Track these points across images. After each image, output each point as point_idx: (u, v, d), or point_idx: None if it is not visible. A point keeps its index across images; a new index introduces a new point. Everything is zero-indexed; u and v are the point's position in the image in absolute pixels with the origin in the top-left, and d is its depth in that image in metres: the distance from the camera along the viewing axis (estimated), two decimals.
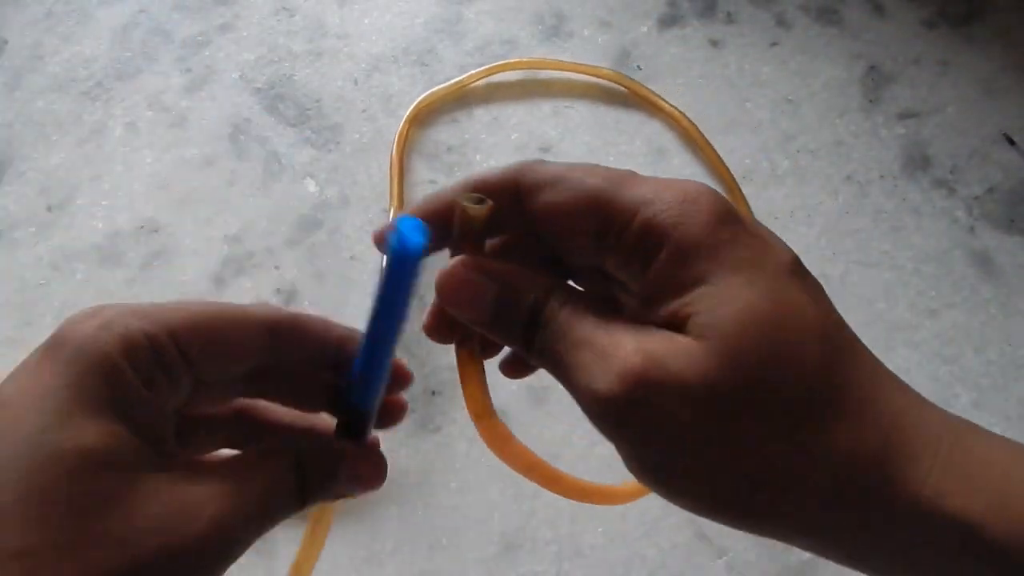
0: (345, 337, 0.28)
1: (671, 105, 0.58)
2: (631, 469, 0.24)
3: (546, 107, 0.59)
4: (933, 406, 0.25)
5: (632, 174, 0.25)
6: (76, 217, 0.55)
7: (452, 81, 0.59)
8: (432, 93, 0.59)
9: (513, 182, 0.26)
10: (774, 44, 0.62)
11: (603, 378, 0.22)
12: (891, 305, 0.52)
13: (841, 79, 0.60)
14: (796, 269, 0.24)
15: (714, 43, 0.62)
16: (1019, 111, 0.58)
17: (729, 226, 0.23)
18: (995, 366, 0.50)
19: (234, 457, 0.25)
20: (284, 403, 0.29)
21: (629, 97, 0.59)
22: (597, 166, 0.26)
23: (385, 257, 0.24)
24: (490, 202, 0.25)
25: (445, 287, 0.25)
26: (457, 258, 0.25)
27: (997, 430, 0.50)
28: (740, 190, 0.55)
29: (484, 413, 0.27)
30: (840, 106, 0.59)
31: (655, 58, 0.61)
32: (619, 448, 0.24)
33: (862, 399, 0.23)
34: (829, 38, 0.62)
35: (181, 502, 0.22)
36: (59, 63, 0.62)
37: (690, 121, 0.57)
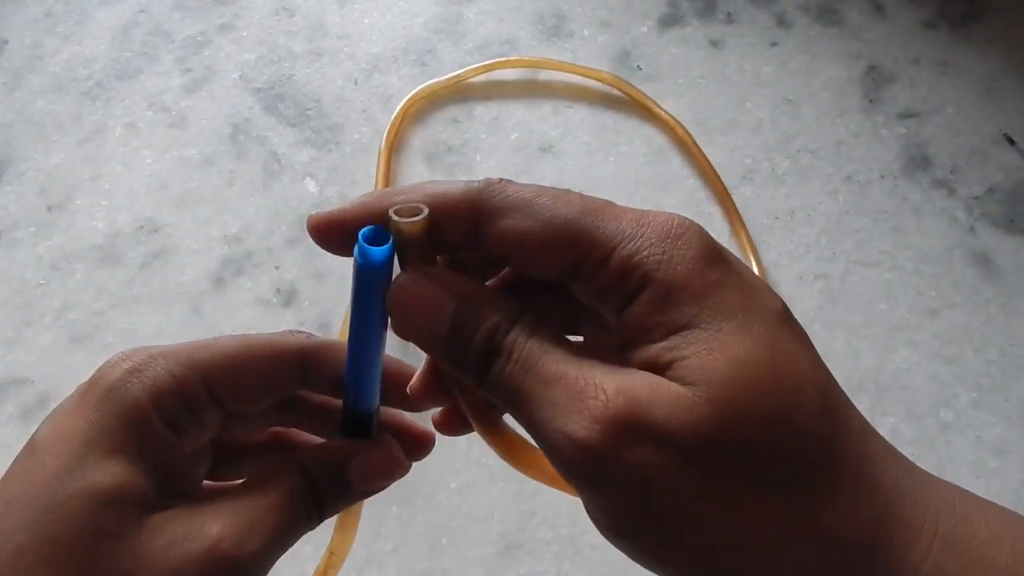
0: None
1: (666, 112, 0.57)
2: (599, 525, 0.22)
3: (546, 107, 0.59)
4: (925, 473, 0.22)
5: (609, 204, 0.23)
6: (76, 217, 0.55)
7: (445, 76, 0.59)
8: (428, 86, 0.59)
9: (472, 203, 0.23)
10: (774, 44, 0.62)
11: (579, 421, 0.20)
12: (891, 305, 0.52)
13: (841, 79, 0.60)
14: (786, 317, 0.22)
15: (714, 43, 0.62)
16: (1019, 111, 0.58)
17: (717, 267, 0.22)
18: (995, 366, 0.50)
19: (245, 480, 0.25)
20: (314, 428, 0.30)
21: (627, 100, 0.59)
22: (569, 192, 0.23)
23: (352, 268, 0.24)
24: (426, 211, 0.22)
25: (397, 299, 0.23)
26: (409, 270, 0.23)
27: (997, 430, 0.50)
28: (732, 200, 0.54)
29: (491, 426, 0.26)
30: (840, 106, 0.59)
31: (655, 58, 0.61)
32: (589, 500, 0.21)
33: (859, 465, 0.21)
34: (829, 38, 0.62)
35: (188, 530, 0.23)
36: (59, 63, 0.62)
37: (684, 129, 0.57)
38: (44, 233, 0.55)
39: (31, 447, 0.24)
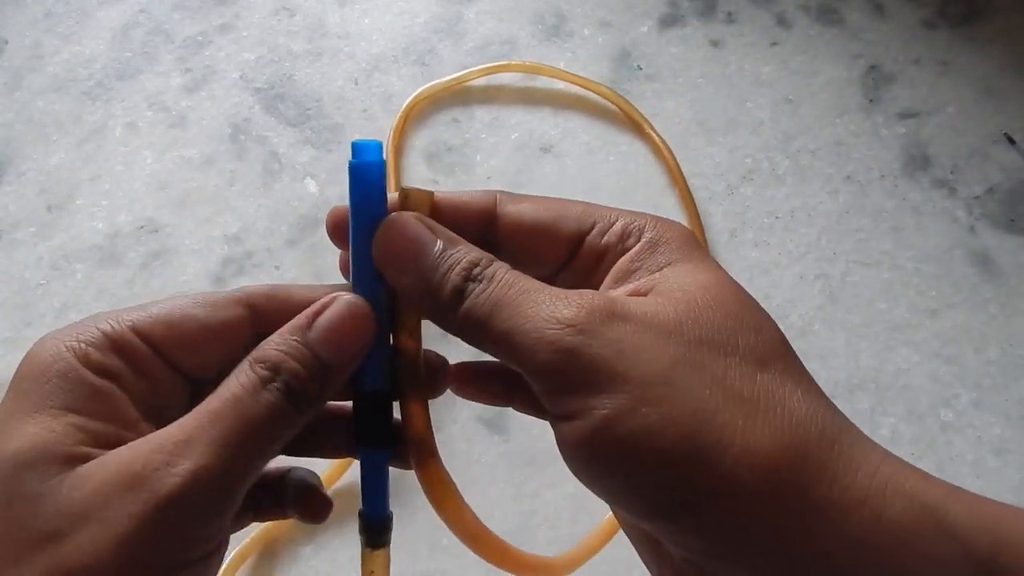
0: (306, 298, 0.26)
1: (656, 133, 0.57)
2: (575, 431, 0.21)
3: (546, 108, 0.59)
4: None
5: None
6: (76, 217, 0.55)
7: (446, 79, 0.59)
8: (427, 88, 0.59)
9: (491, 197, 0.26)
10: (774, 44, 0.62)
11: (565, 307, 0.22)
12: (891, 305, 0.52)
13: (841, 79, 0.60)
14: (742, 292, 0.25)
15: (714, 43, 0.62)
16: (1019, 111, 0.58)
17: (692, 244, 0.25)
18: (995, 366, 0.50)
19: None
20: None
21: (630, 96, 0.59)
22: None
23: (349, 182, 0.25)
24: (434, 191, 0.25)
25: (387, 234, 0.24)
26: (403, 212, 0.25)
27: (997, 430, 0.50)
28: (704, 237, 0.54)
29: (427, 451, 0.25)
30: (840, 106, 0.59)
31: (655, 58, 0.61)
32: (570, 405, 0.21)
33: (811, 382, 0.23)
34: (829, 38, 0.62)
35: (111, 473, 0.21)
36: (59, 63, 0.62)
37: (670, 152, 0.56)
38: (44, 233, 0.55)
39: None
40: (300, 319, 0.24)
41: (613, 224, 0.25)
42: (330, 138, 0.58)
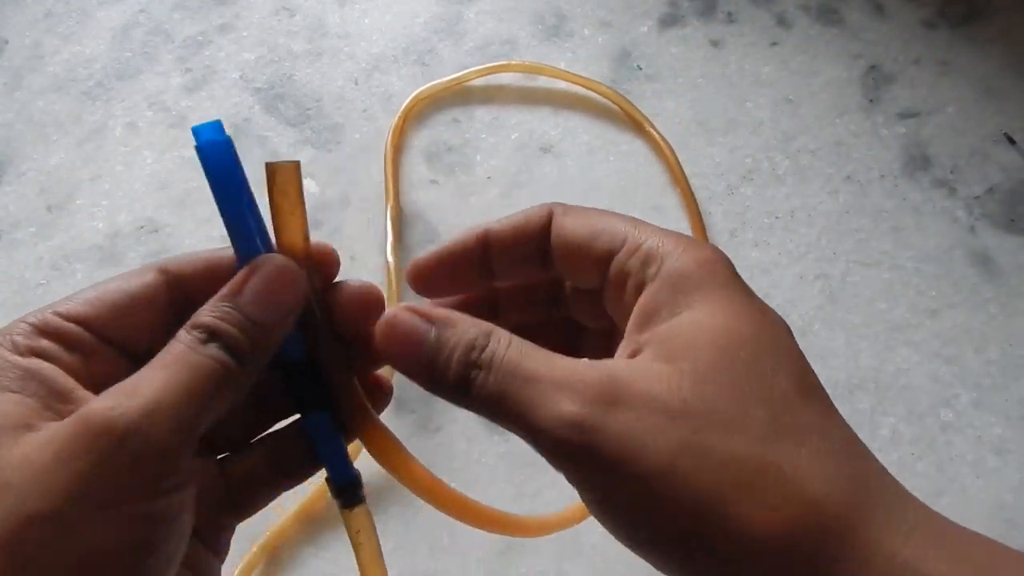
0: (216, 258, 0.27)
1: (657, 132, 0.57)
2: (594, 506, 0.23)
3: (546, 107, 0.59)
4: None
5: (649, 223, 0.27)
6: (76, 217, 0.55)
7: (446, 79, 0.59)
8: (427, 88, 0.59)
9: (548, 209, 0.27)
10: (774, 44, 0.62)
11: (566, 402, 0.22)
12: (891, 305, 0.52)
13: (841, 79, 0.60)
14: (776, 327, 0.24)
15: (714, 43, 0.62)
16: (1019, 111, 0.58)
17: (725, 268, 0.24)
18: (995, 366, 0.50)
19: None
20: None
21: (631, 95, 0.59)
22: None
23: (202, 166, 0.25)
24: (298, 160, 0.26)
25: (383, 332, 0.25)
26: (398, 305, 0.25)
27: (997, 430, 0.50)
28: (706, 237, 0.54)
29: (364, 418, 0.26)
30: (840, 106, 0.59)
31: (655, 58, 0.61)
32: (582, 482, 0.22)
33: (834, 442, 0.22)
34: (829, 38, 0.62)
35: (64, 422, 0.22)
36: (59, 63, 0.62)
37: (671, 150, 0.56)
38: (44, 233, 0.55)
39: None
40: (231, 286, 0.25)
41: (640, 245, 0.25)
42: (330, 138, 0.58)
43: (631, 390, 0.22)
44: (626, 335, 0.25)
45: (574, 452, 0.22)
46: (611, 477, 0.21)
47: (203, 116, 0.59)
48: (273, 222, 0.26)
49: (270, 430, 0.28)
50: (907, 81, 0.60)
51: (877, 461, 0.23)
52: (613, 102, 0.58)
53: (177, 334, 0.24)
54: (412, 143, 0.58)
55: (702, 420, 0.21)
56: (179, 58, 0.62)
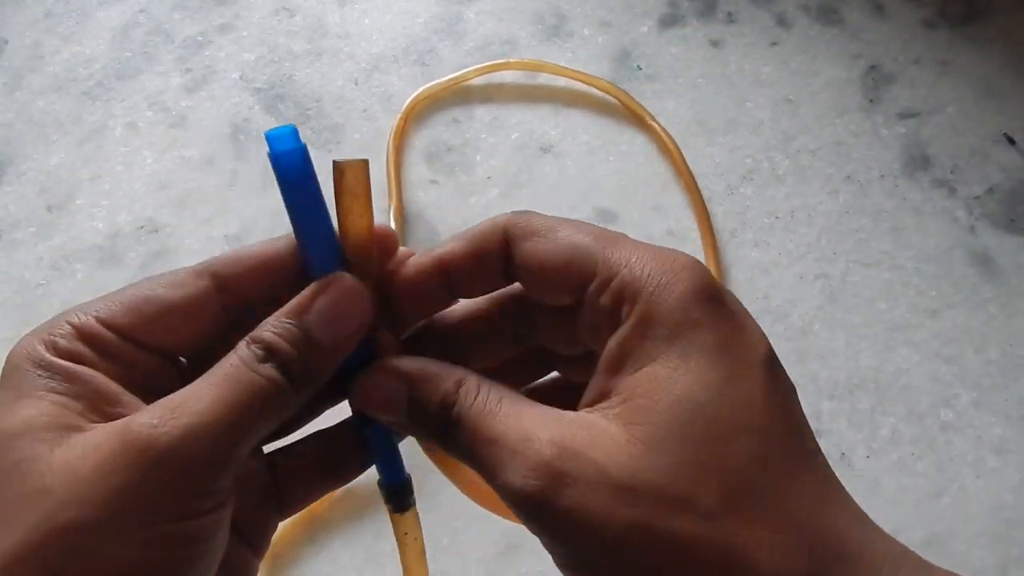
0: (268, 255, 0.26)
1: (658, 124, 0.57)
2: (558, 565, 0.23)
3: (546, 107, 0.59)
4: (883, 532, 0.22)
5: (623, 236, 0.25)
6: (76, 217, 0.55)
7: (447, 78, 0.59)
8: (427, 89, 0.59)
9: (502, 229, 0.26)
10: (774, 44, 0.62)
11: (516, 473, 0.21)
12: (891, 305, 0.52)
13: (841, 79, 0.60)
14: (764, 361, 0.23)
15: (714, 43, 0.62)
16: (1019, 111, 0.58)
17: (703, 305, 0.23)
18: (995, 366, 0.50)
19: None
20: None
21: (630, 95, 0.59)
22: (589, 224, 0.25)
23: (275, 174, 0.25)
24: (365, 159, 0.25)
25: (359, 395, 0.25)
26: (373, 364, 0.25)
27: (997, 430, 0.50)
28: (708, 217, 0.54)
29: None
30: (840, 106, 0.59)
31: (655, 58, 0.61)
32: (544, 543, 0.23)
33: (792, 512, 0.21)
34: (829, 38, 0.62)
35: (107, 433, 0.21)
36: (59, 63, 0.62)
37: (674, 143, 0.56)
38: (44, 233, 0.55)
39: None
40: (298, 302, 0.24)
41: (612, 279, 0.23)
42: (330, 138, 0.58)
43: (583, 461, 0.21)
44: (597, 372, 0.24)
45: (528, 518, 0.22)
46: (564, 545, 0.22)
47: (203, 116, 0.59)
48: (339, 220, 0.26)
49: (321, 429, 0.28)
50: (907, 81, 0.60)
51: (854, 519, 0.22)
52: (613, 96, 0.58)
53: (237, 347, 0.24)
54: (412, 143, 0.58)
55: (651, 497, 0.21)
56: (179, 58, 0.62)
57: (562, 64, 0.60)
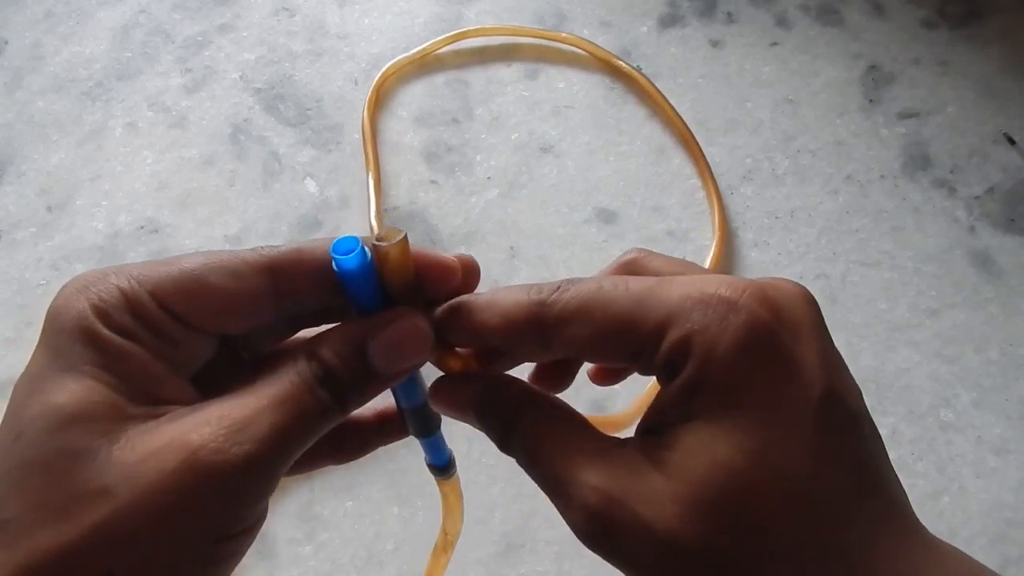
0: (310, 249, 0.26)
1: (670, 105, 0.57)
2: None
3: (546, 107, 0.59)
4: (957, 566, 0.22)
5: (659, 284, 0.24)
6: (76, 217, 0.55)
7: (417, 49, 0.61)
8: (398, 62, 0.60)
9: (535, 320, 0.25)
10: (774, 44, 0.62)
11: (568, 513, 0.23)
12: (891, 305, 0.52)
13: (841, 79, 0.60)
14: (818, 407, 0.22)
15: (714, 43, 0.62)
16: (1019, 111, 0.58)
17: (751, 356, 0.22)
18: (996, 366, 0.50)
19: (254, 377, 0.24)
20: None
21: (629, 95, 0.59)
22: (621, 281, 0.24)
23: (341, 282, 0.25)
24: (403, 234, 0.24)
25: (436, 398, 0.27)
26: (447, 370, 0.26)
27: (997, 430, 0.50)
28: (725, 222, 0.54)
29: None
30: (840, 106, 0.59)
31: (655, 58, 0.61)
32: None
33: (841, 566, 0.21)
34: (829, 38, 0.62)
35: (168, 440, 0.21)
36: (59, 63, 0.62)
37: (683, 122, 0.57)
38: (44, 233, 0.55)
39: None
40: (362, 328, 0.24)
41: (660, 346, 0.23)
42: (330, 138, 0.58)
43: (628, 514, 0.22)
44: (653, 405, 0.24)
45: (588, 547, 0.23)
46: (623, 569, 0.23)
47: (203, 116, 0.59)
48: (389, 294, 0.25)
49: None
50: (907, 81, 0.60)
51: (922, 560, 0.21)
52: (612, 66, 0.59)
53: (297, 360, 0.24)
54: (412, 143, 0.58)
55: (692, 559, 0.21)
56: (179, 58, 0.62)
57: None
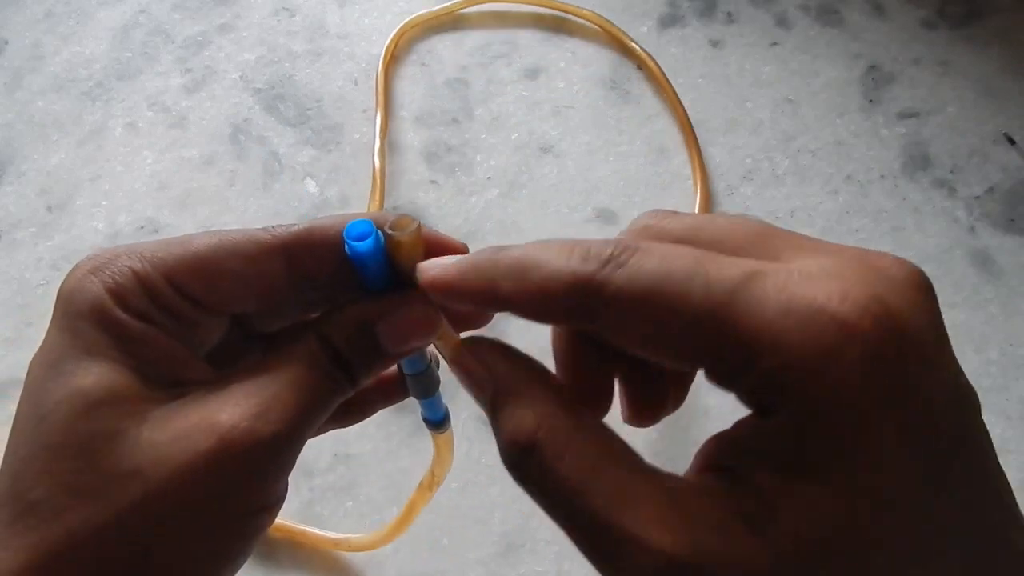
0: (322, 228, 0.26)
1: (672, 89, 0.57)
2: None
3: (546, 107, 0.59)
4: None
5: (748, 282, 0.18)
6: (76, 217, 0.55)
7: (439, 7, 0.62)
8: (417, 16, 0.61)
9: (582, 296, 0.20)
10: (774, 44, 0.62)
11: (648, 556, 0.18)
12: None
13: (841, 79, 0.60)
14: (954, 447, 0.19)
15: (714, 43, 0.62)
16: (1019, 111, 0.58)
17: (871, 394, 0.17)
18: (996, 366, 0.50)
19: (266, 357, 0.24)
20: None
21: (629, 95, 0.59)
22: (699, 269, 0.19)
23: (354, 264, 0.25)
24: (416, 223, 0.24)
25: (452, 362, 0.24)
26: (467, 339, 0.24)
27: (997, 430, 0.50)
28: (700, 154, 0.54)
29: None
30: (840, 106, 0.59)
31: (655, 58, 0.61)
32: None
33: None
34: (829, 38, 0.62)
35: (196, 421, 0.22)
36: (59, 63, 0.62)
37: (684, 111, 0.57)
38: (44, 233, 0.55)
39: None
40: (373, 310, 0.25)
41: (746, 365, 0.18)
42: (330, 138, 0.58)
43: (714, 570, 0.17)
44: (725, 438, 0.20)
45: None
46: None
47: (203, 116, 0.59)
48: (399, 275, 0.26)
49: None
50: (907, 81, 0.60)
51: None
52: (640, 58, 0.59)
53: (311, 343, 0.24)
54: (412, 143, 0.58)
55: None
56: (179, 58, 0.62)
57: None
